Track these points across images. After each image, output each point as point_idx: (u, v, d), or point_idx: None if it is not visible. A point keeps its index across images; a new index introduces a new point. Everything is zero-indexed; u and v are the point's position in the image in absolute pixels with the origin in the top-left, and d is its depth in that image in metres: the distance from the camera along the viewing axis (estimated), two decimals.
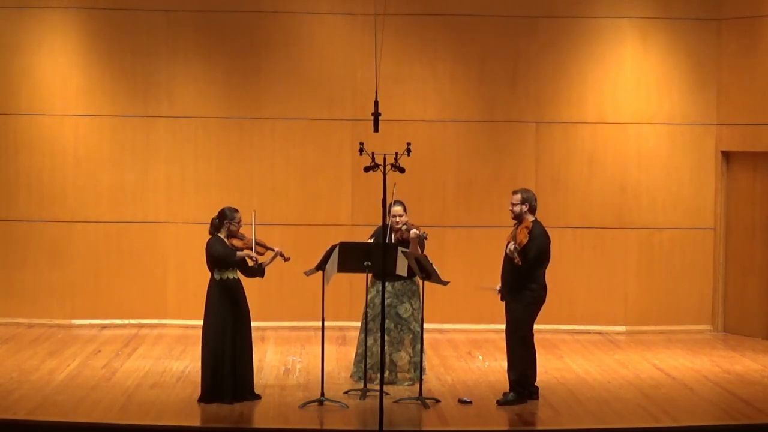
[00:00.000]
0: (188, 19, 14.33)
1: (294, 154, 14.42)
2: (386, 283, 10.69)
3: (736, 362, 12.60)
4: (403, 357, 11.14)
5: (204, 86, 14.37)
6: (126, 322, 14.29)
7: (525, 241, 10.36)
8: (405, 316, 11.16)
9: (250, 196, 13.82)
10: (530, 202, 10.55)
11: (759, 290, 14.15)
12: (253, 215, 10.34)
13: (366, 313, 11.09)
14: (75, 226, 14.34)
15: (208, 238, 10.38)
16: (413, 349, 11.13)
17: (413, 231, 10.94)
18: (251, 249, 10.33)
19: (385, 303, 10.69)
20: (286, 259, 10.49)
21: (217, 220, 10.38)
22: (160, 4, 14.27)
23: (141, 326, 14.21)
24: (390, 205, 11.06)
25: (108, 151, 14.35)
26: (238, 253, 10.29)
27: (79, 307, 14.32)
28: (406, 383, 11.07)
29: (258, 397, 10.50)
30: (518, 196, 10.55)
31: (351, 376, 11.33)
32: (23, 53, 14.24)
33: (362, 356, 11.04)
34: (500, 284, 10.65)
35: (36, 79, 14.29)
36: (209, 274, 10.36)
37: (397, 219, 11.06)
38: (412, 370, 11.12)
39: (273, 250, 10.45)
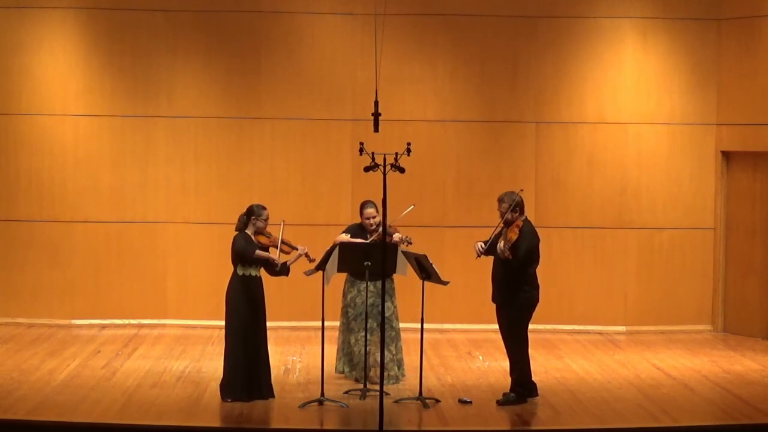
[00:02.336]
0: (188, 19, 14.33)
1: (294, 154, 14.42)
2: (369, 283, 10.74)
3: (736, 362, 12.60)
4: (386, 355, 11.15)
5: (204, 86, 14.37)
6: (126, 322, 14.29)
7: (515, 237, 10.33)
8: (387, 314, 11.14)
9: (250, 196, 13.77)
10: (520, 206, 10.46)
11: (759, 290, 14.15)
12: (281, 225, 10.39)
13: (346, 313, 11.15)
14: (75, 226, 14.33)
15: (234, 235, 10.49)
16: (395, 346, 11.20)
17: (396, 235, 10.98)
18: (276, 247, 10.37)
19: (369, 302, 10.77)
20: (311, 260, 10.52)
21: (245, 217, 10.50)
22: (160, 4, 14.26)
23: (141, 326, 14.21)
24: (360, 206, 11.21)
25: (108, 151, 14.34)
26: (257, 251, 10.33)
27: (79, 307, 14.32)
28: (392, 381, 11.09)
29: (273, 395, 10.51)
30: (504, 205, 10.43)
31: (335, 371, 11.30)
32: (23, 53, 14.24)
33: (346, 354, 11.10)
34: (485, 246, 10.51)
35: (36, 79, 14.29)
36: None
37: (371, 221, 11.10)
38: (395, 368, 11.19)
39: (298, 250, 10.50)
